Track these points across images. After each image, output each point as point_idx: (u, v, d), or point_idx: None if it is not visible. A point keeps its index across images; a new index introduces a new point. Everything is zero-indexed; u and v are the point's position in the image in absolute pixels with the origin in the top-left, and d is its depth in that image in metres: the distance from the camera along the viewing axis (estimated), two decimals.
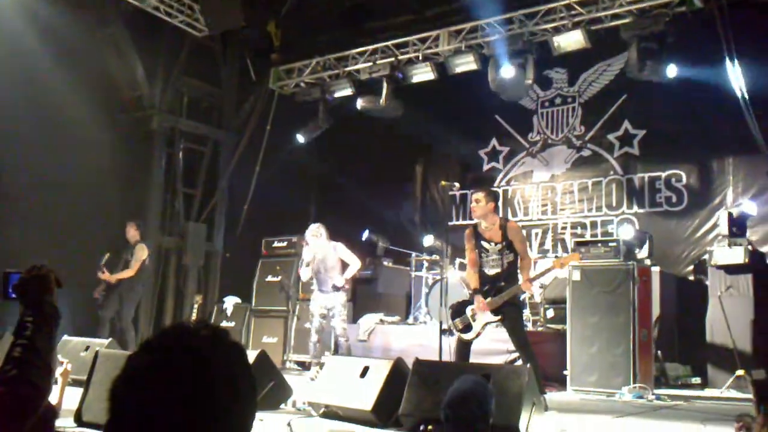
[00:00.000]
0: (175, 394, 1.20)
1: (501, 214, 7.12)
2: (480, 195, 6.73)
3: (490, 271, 6.65)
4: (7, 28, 9.62)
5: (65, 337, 8.49)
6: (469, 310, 6.71)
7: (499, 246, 6.60)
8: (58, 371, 4.35)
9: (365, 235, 11.09)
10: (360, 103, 11.12)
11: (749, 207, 9.11)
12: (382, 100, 10.78)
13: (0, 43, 9.63)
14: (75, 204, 10.78)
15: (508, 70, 9.82)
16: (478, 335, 6.69)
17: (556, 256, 10.61)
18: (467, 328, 6.69)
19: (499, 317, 6.54)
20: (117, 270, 9.82)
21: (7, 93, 9.59)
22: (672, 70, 9.04)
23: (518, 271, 6.65)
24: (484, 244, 6.68)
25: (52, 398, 2.78)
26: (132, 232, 10.00)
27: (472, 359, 6.81)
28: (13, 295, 2.31)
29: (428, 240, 10.80)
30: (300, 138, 11.93)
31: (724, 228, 8.80)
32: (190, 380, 1.22)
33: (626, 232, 9.49)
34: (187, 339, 1.29)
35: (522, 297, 9.28)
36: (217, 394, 1.23)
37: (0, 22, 9.51)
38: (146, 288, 10.55)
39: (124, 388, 1.24)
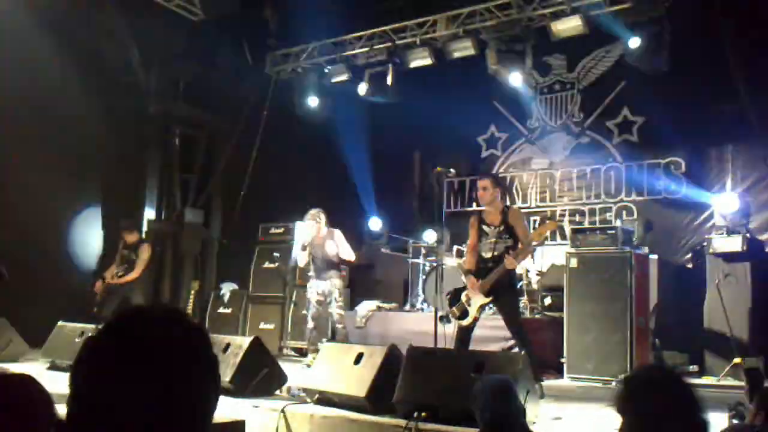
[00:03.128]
0: (129, 375, 1.23)
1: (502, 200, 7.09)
2: (487, 182, 6.82)
3: (486, 254, 6.72)
4: (1, 11, 9.53)
5: (60, 323, 8.48)
6: (464, 296, 6.75)
7: (498, 229, 6.66)
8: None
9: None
10: (363, 88, 10.96)
11: (729, 202, 8.97)
12: (389, 81, 10.67)
13: None
14: (71, 191, 10.74)
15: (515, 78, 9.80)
16: (475, 320, 6.70)
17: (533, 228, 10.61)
18: (464, 314, 6.72)
19: (490, 298, 6.61)
20: (119, 269, 9.52)
21: (1, 75, 9.52)
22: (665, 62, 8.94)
23: None
24: (485, 227, 6.77)
25: None
26: (132, 237, 9.70)
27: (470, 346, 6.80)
28: None
29: (429, 235, 10.70)
30: (308, 123, 11.82)
31: (718, 218, 8.77)
32: (142, 361, 1.24)
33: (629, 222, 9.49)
34: (141, 320, 1.31)
35: (519, 284, 9.31)
36: (172, 376, 1.25)
37: None
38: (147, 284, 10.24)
39: (79, 368, 1.28)
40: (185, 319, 1.35)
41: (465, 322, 6.70)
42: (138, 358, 1.25)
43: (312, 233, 8.45)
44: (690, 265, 9.84)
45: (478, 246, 6.82)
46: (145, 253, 9.59)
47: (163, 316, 1.33)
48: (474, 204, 7.11)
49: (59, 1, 9.94)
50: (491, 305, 6.96)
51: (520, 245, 6.66)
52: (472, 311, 6.66)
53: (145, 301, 9.64)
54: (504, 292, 6.66)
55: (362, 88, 10.82)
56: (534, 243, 7.04)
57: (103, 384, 1.24)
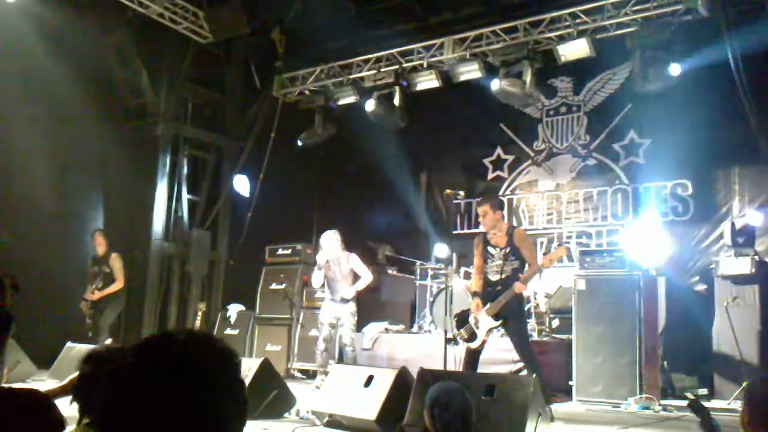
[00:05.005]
0: (155, 399, 1.24)
1: (506, 221, 7.15)
2: (486, 207, 6.85)
3: (493, 277, 6.74)
4: (14, 35, 9.63)
5: (68, 344, 8.48)
6: (472, 318, 6.75)
7: (504, 251, 6.68)
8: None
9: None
10: (370, 109, 10.97)
11: (754, 218, 9.05)
12: (397, 101, 10.71)
13: (6, 49, 9.64)
14: (78, 211, 10.79)
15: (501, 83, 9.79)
16: (483, 342, 6.72)
17: (544, 254, 10.59)
18: (473, 336, 6.73)
19: (499, 322, 6.63)
20: (95, 283, 9.34)
21: (13, 98, 9.61)
22: (675, 69, 8.93)
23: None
24: (490, 249, 6.79)
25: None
26: (100, 240, 9.50)
27: (478, 368, 6.80)
28: None
29: (441, 249, 10.66)
30: (300, 142, 11.84)
31: (728, 238, 8.76)
32: (167, 386, 1.26)
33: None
34: (166, 343, 1.33)
35: (527, 307, 9.29)
36: (197, 400, 1.26)
37: (6, 29, 9.51)
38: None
39: (108, 392, 1.29)
40: (213, 343, 1.36)
41: (474, 345, 6.71)
42: (163, 384, 1.26)
43: (328, 254, 8.45)
44: (698, 288, 9.82)
45: (484, 268, 6.83)
46: (117, 261, 9.43)
47: (190, 340, 1.34)
48: (481, 226, 7.08)
49: (70, 25, 10.04)
50: (500, 328, 6.96)
51: (527, 267, 6.67)
52: (481, 334, 6.67)
53: (115, 317, 9.51)
54: (513, 316, 6.67)
55: (370, 105, 10.84)
56: (542, 264, 7.02)
57: (128, 409, 1.26)
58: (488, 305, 6.63)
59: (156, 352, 1.32)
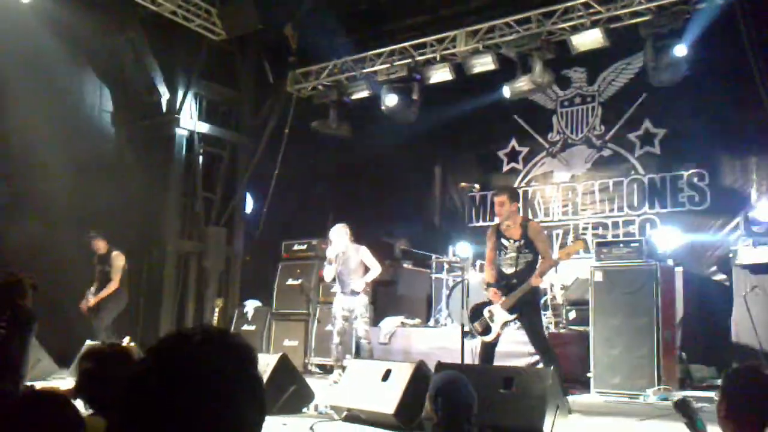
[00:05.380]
0: (171, 403, 1.25)
1: (521, 214, 7.11)
2: (503, 197, 6.79)
3: (507, 270, 6.69)
4: (28, 34, 9.69)
5: (88, 342, 8.54)
6: (486, 311, 6.68)
7: (518, 244, 6.62)
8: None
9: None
10: (388, 104, 10.96)
11: (762, 212, 8.89)
12: (415, 98, 10.72)
13: (21, 48, 9.71)
14: (94, 209, 10.84)
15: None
16: (498, 336, 6.66)
17: (560, 247, 10.56)
18: (487, 330, 6.67)
19: (514, 315, 6.58)
20: (95, 284, 9.38)
21: (27, 97, 9.67)
22: (681, 50, 8.86)
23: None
24: (504, 241, 6.72)
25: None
26: (101, 244, 9.45)
27: (495, 361, 6.78)
28: None
29: (462, 249, 10.54)
30: (314, 125, 11.86)
31: (743, 229, 8.69)
32: (183, 386, 1.26)
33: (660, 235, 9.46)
34: (179, 344, 1.33)
35: (542, 299, 9.26)
36: (213, 403, 1.27)
37: (21, 29, 9.58)
38: (126, 298, 9.69)
39: (127, 395, 1.30)
40: (229, 341, 1.36)
41: (488, 338, 6.66)
42: (179, 383, 1.27)
43: (338, 248, 8.47)
44: (716, 277, 9.76)
45: (497, 260, 6.77)
46: (117, 260, 9.38)
47: (205, 340, 1.33)
48: (496, 218, 7.04)
49: (84, 24, 10.09)
50: (515, 321, 6.92)
51: (540, 260, 6.62)
52: (496, 327, 6.62)
53: (113, 317, 9.36)
54: (528, 309, 6.62)
55: (391, 99, 10.83)
56: (561, 261, 7.00)
57: (146, 410, 1.27)
58: (503, 298, 6.59)
59: (171, 354, 1.32)
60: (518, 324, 7.23)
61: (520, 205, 7.28)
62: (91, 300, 9.27)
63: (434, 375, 4.10)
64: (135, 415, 1.29)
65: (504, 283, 6.66)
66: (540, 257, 6.65)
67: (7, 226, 9.51)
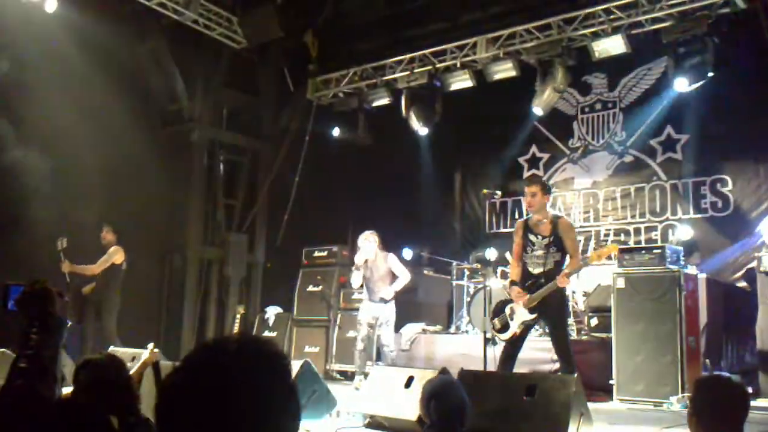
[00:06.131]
0: (206, 410, 1.26)
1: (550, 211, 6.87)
2: (536, 187, 6.48)
3: (534, 269, 6.41)
4: (52, 43, 9.81)
5: (111, 348, 8.59)
6: (507, 309, 6.49)
7: (546, 240, 6.34)
8: (144, 355, 4.50)
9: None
10: (408, 114, 10.98)
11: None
12: (436, 107, 10.75)
13: (46, 58, 9.82)
14: (117, 216, 10.92)
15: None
16: (515, 335, 6.39)
17: (594, 249, 10.49)
18: (505, 327, 6.47)
19: (534, 316, 6.33)
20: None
21: (53, 106, 9.77)
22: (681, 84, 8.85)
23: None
24: (532, 237, 6.44)
25: None
26: (108, 237, 9.31)
27: (517, 368, 6.69)
28: (14, 308, 2.32)
29: (491, 253, 10.43)
30: (336, 132, 11.90)
31: (766, 236, 8.61)
32: (217, 397, 1.27)
33: (684, 233, 9.37)
34: (214, 355, 1.34)
35: (569, 303, 9.20)
36: (248, 408, 1.27)
37: (46, 39, 9.69)
38: (122, 298, 9.47)
39: (162, 406, 1.31)
40: (264, 348, 1.37)
41: (504, 336, 6.45)
42: (215, 392, 1.28)
43: (366, 255, 8.47)
44: (740, 284, 9.67)
45: (524, 257, 6.49)
46: (113, 254, 9.16)
47: (241, 346, 1.34)
48: (525, 212, 6.88)
49: (106, 33, 10.19)
50: (537, 325, 6.77)
51: (568, 259, 6.36)
52: (514, 326, 6.38)
53: (113, 326, 9.15)
54: (552, 311, 6.35)
55: (407, 112, 10.89)
56: (592, 264, 6.75)
57: (181, 419, 1.28)
58: (527, 297, 6.33)
59: (206, 364, 1.33)
60: (540, 330, 7.13)
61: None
62: (66, 266, 8.82)
63: (428, 380, 4.14)
64: (170, 425, 1.31)
65: (530, 283, 6.39)
66: (568, 257, 6.38)
67: (36, 231, 9.61)
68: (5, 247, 9.20)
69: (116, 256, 9.25)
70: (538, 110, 10.09)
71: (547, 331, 6.72)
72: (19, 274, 8.90)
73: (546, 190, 6.58)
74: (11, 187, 9.32)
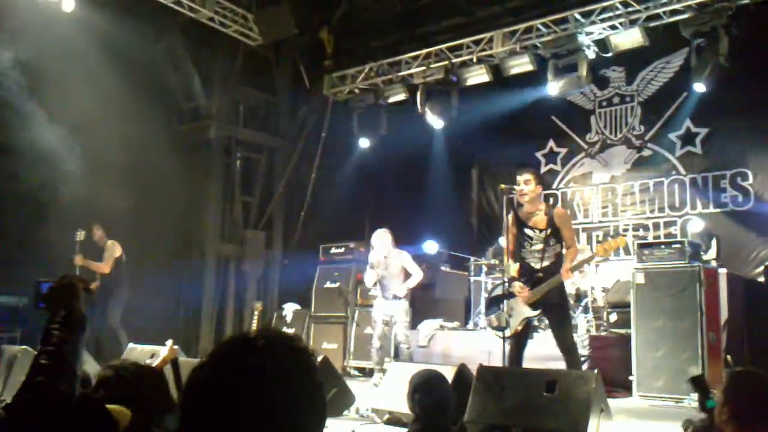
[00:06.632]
0: (233, 406, 1.25)
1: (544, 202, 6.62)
2: (530, 175, 6.25)
3: (535, 264, 6.18)
4: (71, 43, 9.85)
5: (131, 345, 8.64)
6: (505, 305, 6.27)
7: (544, 233, 6.13)
8: (163, 352, 4.52)
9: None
10: (424, 110, 10.94)
11: None
12: (453, 102, 10.71)
13: (64, 57, 9.86)
14: (135, 214, 10.97)
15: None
16: (516, 333, 6.21)
17: (598, 242, 10.42)
18: (503, 324, 6.27)
19: (537, 312, 6.14)
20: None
21: (73, 104, 9.82)
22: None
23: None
24: (528, 231, 6.20)
25: None
26: (99, 234, 9.48)
27: (533, 364, 6.62)
28: (42, 305, 2.32)
29: (496, 245, 10.47)
30: (363, 143, 11.88)
31: None
32: (244, 393, 1.26)
33: (696, 226, 9.28)
34: (240, 351, 1.32)
35: (584, 301, 9.15)
36: (275, 404, 1.27)
37: (63, 38, 9.73)
38: (128, 289, 9.65)
39: (187, 401, 1.31)
40: (291, 344, 1.35)
41: (505, 334, 6.23)
42: (241, 387, 1.27)
43: (380, 253, 8.46)
44: (761, 279, 9.57)
45: (522, 253, 6.25)
46: (112, 248, 9.34)
47: (267, 342, 1.33)
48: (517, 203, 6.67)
49: (123, 32, 10.22)
50: (541, 320, 6.60)
51: (566, 249, 6.14)
52: (514, 323, 6.18)
53: (118, 317, 9.25)
54: (554, 305, 6.14)
55: (426, 108, 10.85)
56: (598, 258, 6.56)
57: (207, 414, 1.27)
58: (529, 293, 6.12)
59: (233, 359, 1.32)
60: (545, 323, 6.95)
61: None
62: (78, 259, 9.10)
63: (414, 374, 4.17)
64: (196, 419, 1.29)
65: (531, 278, 6.16)
66: (565, 247, 6.16)
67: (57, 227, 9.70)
68: (37, 232, 9.31)
69: (115, 249, 9.46)
70: (553, 89, 9.90)
71: (550, 324, 6.47)
72: (50, 262, 9.06)
73: (539, 179, 6.37)
74: (43, 171, 9.39)
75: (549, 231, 6.13)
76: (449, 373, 5.57)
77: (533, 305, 6.12)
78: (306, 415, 1.32)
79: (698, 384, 2.98)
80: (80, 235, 9.20)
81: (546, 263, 6.14)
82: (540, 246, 6.16)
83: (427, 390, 3.88)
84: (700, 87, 9.01)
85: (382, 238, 8.51)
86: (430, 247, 11.25)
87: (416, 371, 4.21)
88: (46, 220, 9.83)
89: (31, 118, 9.45)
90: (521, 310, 6.17)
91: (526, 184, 6.22)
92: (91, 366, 8.61)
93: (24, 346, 7.65)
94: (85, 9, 9.67)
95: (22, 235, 9.82)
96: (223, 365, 1.32)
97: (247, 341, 1.34)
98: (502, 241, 10.36)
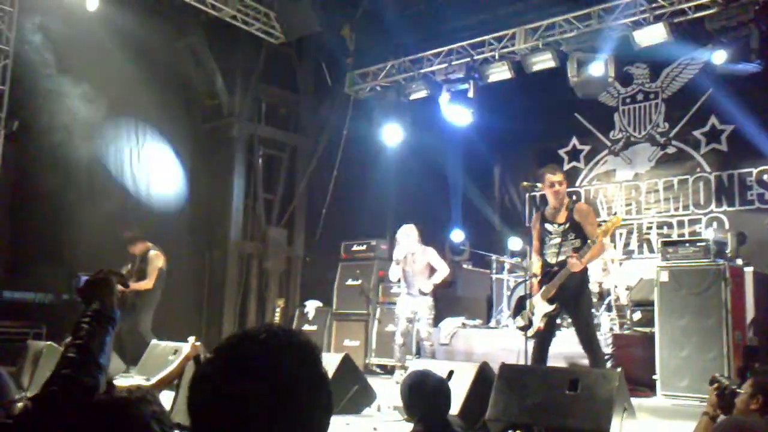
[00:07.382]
0: (237, 397, 1.27)
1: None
2: (562, 175, 6.33)
3: (551, 259, 6.18)
4: (95, 42, 9.94)
5: (153, 341, 8.71)
6: (528, 304, 6.31)
7: (563, 228, 6.13)
8: (185, 348, 4.55)
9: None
10: (446, 107, 10.91)
11: None
12: (470, 96, 10.66)
13: (88, 56, 9.96)
14: (159, 211, 11.06)
15: (596, 68, 9.54)
16: (539, 330, 6.20)
17: (624, 247, 10.33)
18: (529, 324, 6.28)
19: (554, 306, 6.11)
20: (132, 278, 8.99)
21: (96, 103, 9.92)
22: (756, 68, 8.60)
23: None
24: (548, 226, 6.24)
25: None
26: (140, 248, 9.15)
27: (555, 363, 6.60)
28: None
29: (514, 243, 10.51)
30: (385, 140, 11.86)
31: None
32: (249, 384, 1.27)
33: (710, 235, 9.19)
34: (242, 346, 1.34)
35: (607, 300, 9.07)
36: (277, 398, 1.27)
37: (87, 36, 9.82)
38: (162, 295, 9.37)
39: (194, 396, 1.33)
40: (293, 338, 1.37)
41: (530, 333, 6.25)
42: (245, 381, 1.28)
43: (406, 249, 8.44)
44: None
45: (542, 249, 6.28)
46: (156, 260, 9.07)
47: (269, 339, 1.34)
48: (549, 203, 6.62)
49: (146, 30, 10.30)
50: (562, 315, 6.53)
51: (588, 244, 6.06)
52: (536, 321, 6.18)
53: (149, 322, 9.10)
54: (571, 298, 6.10)
55: (444, 103, 10.80)
56: (599, 240, 6.44)
57: (213, 406, 1.29)
58: (543, 288, 6.15)
59: (236, 353, 1.34)
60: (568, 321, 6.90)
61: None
62: (128, 288, 8.57)
63: (407, 379, 4.15)
64: (201, 413, 1.31)
65: (547, 272, 6.15)
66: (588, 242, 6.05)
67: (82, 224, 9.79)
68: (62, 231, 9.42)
69: (158, 261, 9.15)
70: (573, 79, 9.82)
71: (570, 323, 6.44)
72: (75, 259, 9.15)
73: (566, 178, 6.44)
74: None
75: (567, 225, 6.13)
76: (471, 371, 5.56)
77: (550, 300, 6.12)
78: (311, 408, 1.33)
79: (750, 353, 3.15)
80: (126, 269, 8.94)
81: (561, 258, 6.13)
82: (558, 240, 6.17)
83: (418, 385, 3.88)
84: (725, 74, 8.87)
85: (408, 233, 8.49)
86: (457, 235, 11.23)
87: (409, 372, 4.30)
88: (71, 218, 9.91)
89: (55, 116, 9.56)
90: (541, 307, 6.17)
91: (560, 185, 6.24)
92: (116, 363, 8.71)
93: (49, 342, 7.74)
94: (109, 8, 9.75)
95: (48, 233, 9.92)
96: (226, 360, 1.34)
97: (249, 336, 1.36)
98: (511, 243, 10.37)
